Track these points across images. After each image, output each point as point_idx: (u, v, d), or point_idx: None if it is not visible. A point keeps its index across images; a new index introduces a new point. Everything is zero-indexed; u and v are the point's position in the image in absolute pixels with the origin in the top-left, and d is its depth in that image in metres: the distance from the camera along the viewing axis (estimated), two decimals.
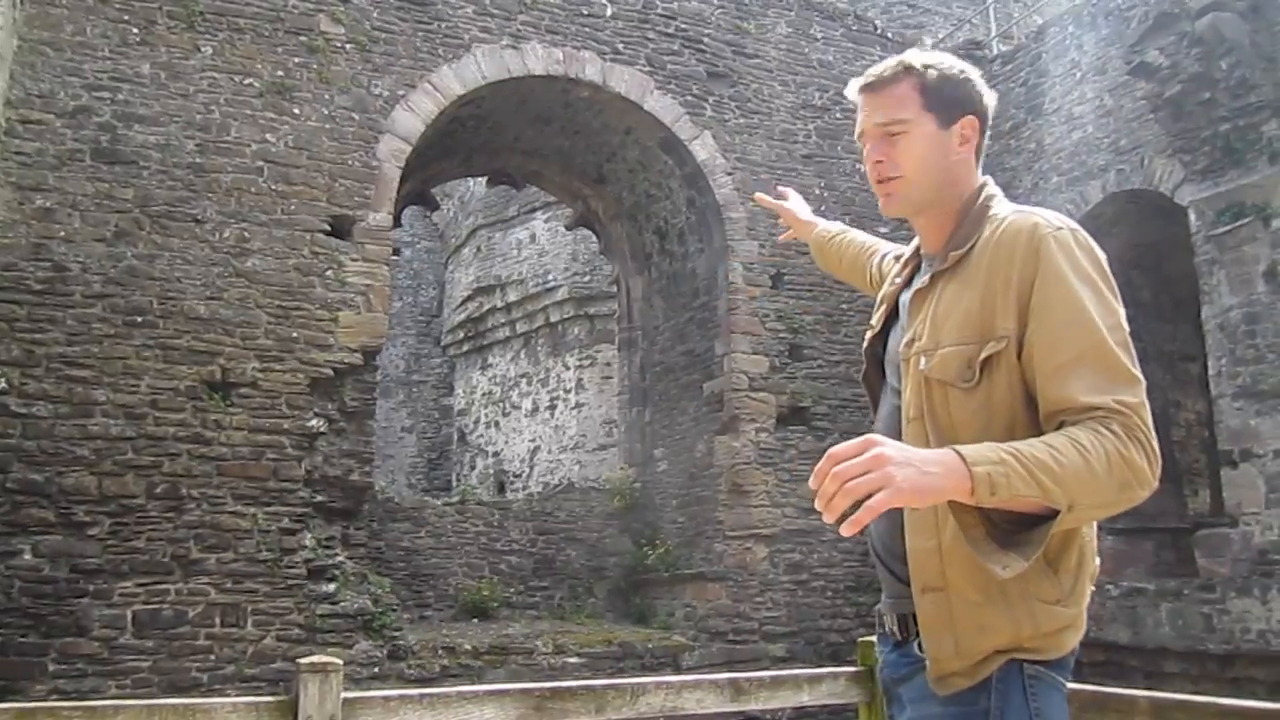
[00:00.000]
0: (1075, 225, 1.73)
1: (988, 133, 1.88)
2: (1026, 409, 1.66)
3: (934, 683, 1.70)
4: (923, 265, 1.94)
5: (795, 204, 2.90)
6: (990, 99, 1.86)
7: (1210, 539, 8.62)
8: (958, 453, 1.48)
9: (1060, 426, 1.58)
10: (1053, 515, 1.52)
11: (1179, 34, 8.70)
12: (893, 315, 1.98)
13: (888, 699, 1.94)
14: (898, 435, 1.76)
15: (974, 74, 1.87)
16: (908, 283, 1.97)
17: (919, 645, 1.76)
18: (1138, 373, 1.62)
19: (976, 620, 1.67)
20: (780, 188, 3.10)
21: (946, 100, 1.82)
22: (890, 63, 1.86)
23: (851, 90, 1.91)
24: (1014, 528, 1.57)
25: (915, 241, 2.01)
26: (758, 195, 3.11)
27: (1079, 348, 1.61)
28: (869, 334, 2.03)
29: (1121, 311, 1.68)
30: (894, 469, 1.42)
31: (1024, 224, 1.72)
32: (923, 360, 1.75)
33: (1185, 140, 9.03)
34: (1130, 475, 1.54)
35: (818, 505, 1.45)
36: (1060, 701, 1.73)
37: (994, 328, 1.67)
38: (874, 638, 3.52)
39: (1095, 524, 1.75)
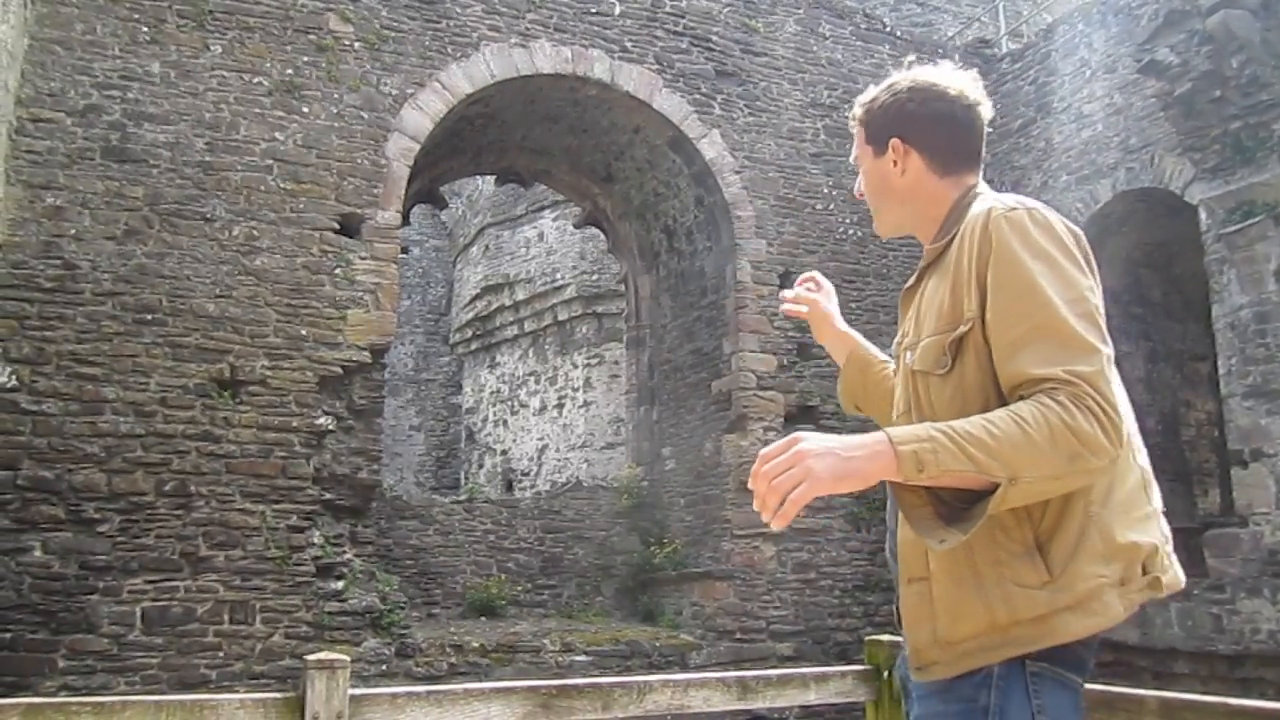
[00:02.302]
0: (1034, 204, 1.73)
1: (946, 137, 1.87)
2: (998, 390, 1.66)
3: (914, 672, 1.72)
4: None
5: (825, 299, 2.43)
6: (934, 107, 1.85)
7: (1220, 539, 8.58)
8: (886, 434, 1.53)
9: (1018, 401, 1.59)
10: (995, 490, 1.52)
11: (1189, 32, 8.67)
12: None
13: (905, 695, 1.94)
14: None
15: (915, 88, 1.87)
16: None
17: None
18: (1096, 342, 1.60)
19: (952, 607, 1.67)
20: (812, 275, 2.45)
21: (876, 130, 1.91)
22: (853, 107, 2.00)
23: None
24: (964, 505, 1.58)
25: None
26: (784, 297, 2.45)
27: (1030, 322, 1.61)
28: (897, 341, 2.02)
29: (1086, 284, 1.65)
30: (812, 461, 1.50)
31: (981, 210, 1.74)
32: (909, 355, 1.79)
33: (1195, 138, 9.00)
34: (1078, 444, 1.51)
35: (755, 506, 1.54)
36: (1069, 700, 1.68)
37: (960, 312, 1.70)
38: (882, 637, 3.52)
39: (1120, 503, 1.66)
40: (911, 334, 1.80)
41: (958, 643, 1.66)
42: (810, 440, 1.52)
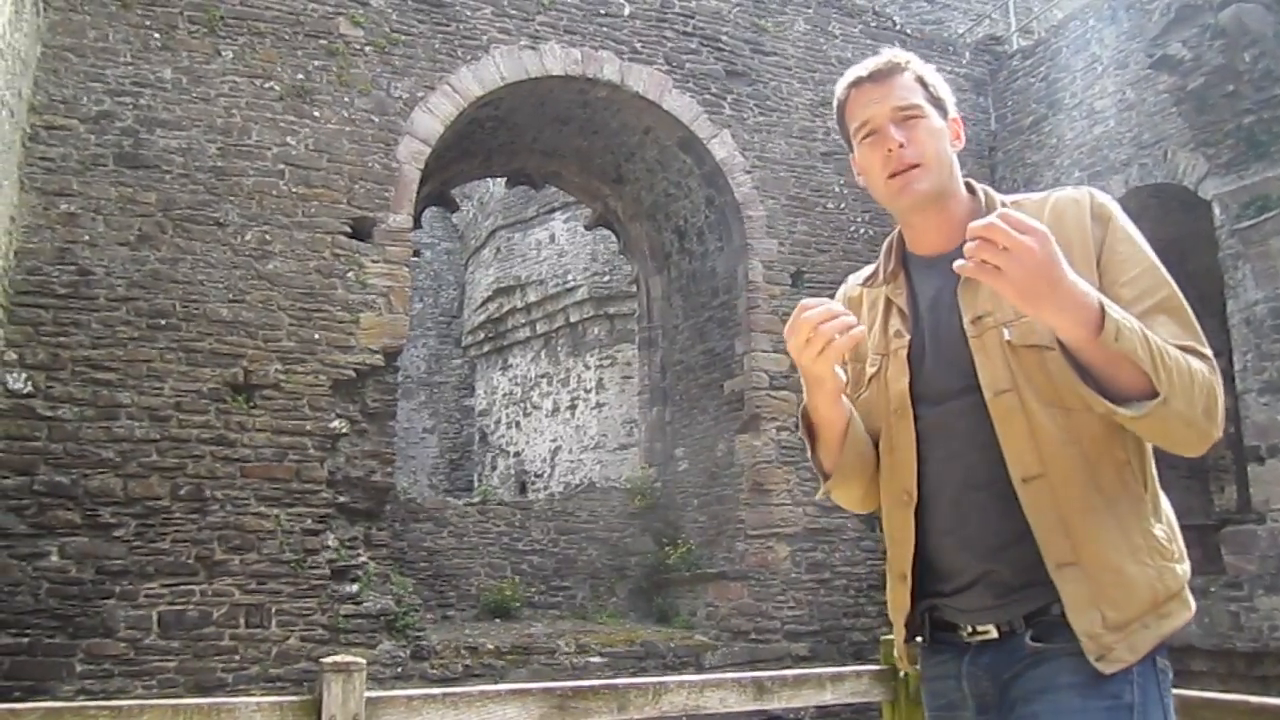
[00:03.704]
0: None
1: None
2: None
3: (1097, 662, 1.61)
4: (917, 264, 1.90)
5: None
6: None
7: (1237, 536, 8.53)
8: (1098, 296, 1.51)
9: None
10: (1149, 398, 1.52)
11: (1201, 26, 8.62)
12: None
13: (978, 706, 1.77)
14: (949, 461, 1.78)
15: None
16: (910, 289, 1.90)
17: (1030, 636, 1.68)
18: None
19: (1117, 586, 1.63)
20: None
21: (939, 97, 1.84)
22: (884, 56, 1.85)
23: (841, 86, 1.87)
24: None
25: (890, 255, 1.94)
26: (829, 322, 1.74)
27: (1157, 297, 1.66)
28: (895, 345, 1.88)
29: None
30: (1041, 260, 1.45)
31: (1079, 194, 1.78)
32: (1006, 331, 1.72)
33: (1208, 133, 8.95)
34: (1213, 406, 1.57)
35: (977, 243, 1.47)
36: (1172, 697, 1.72)
37: None
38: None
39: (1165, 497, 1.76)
40: (1000, 311, 1.71)
41: (1126, 624, 1.63)
42: (1047, 246, 1.46)
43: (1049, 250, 1.45)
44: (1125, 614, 1.62)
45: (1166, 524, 1.71)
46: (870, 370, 1.93)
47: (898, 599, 1.89)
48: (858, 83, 1.84)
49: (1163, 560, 1.66)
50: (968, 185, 1.88)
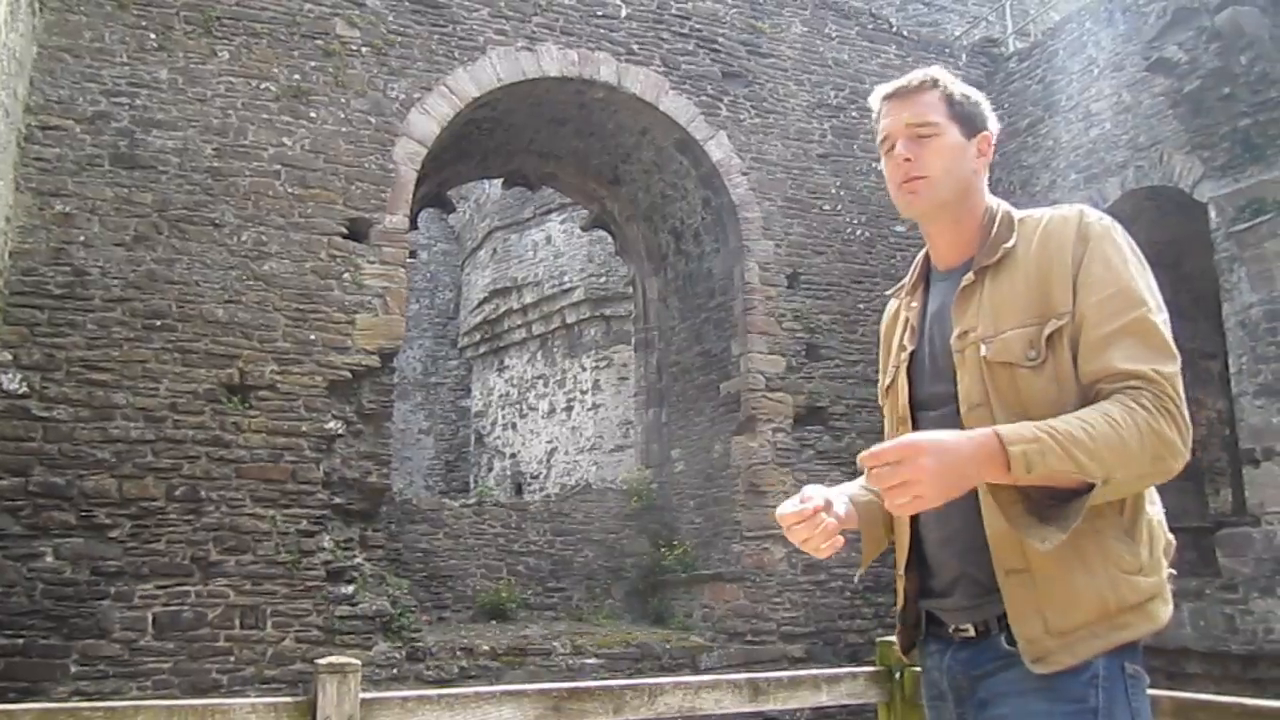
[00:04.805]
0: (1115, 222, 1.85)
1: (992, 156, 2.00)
2: None
3: (1033, 664, 1.69)
4: (935, 277, 2.02)
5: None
6: (995, 125, 1.99)
7: (1232, 538, 8.54)
8: (997, 434, 1.57)
9: (1097, 396, 1.67)
10: (1088, 489, 1.58)
11: (1198, 29, 8.64)
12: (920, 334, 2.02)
13: (955, 699, 1.88)
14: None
15: (985, 101, 2.00)
16: (924, 302, 2.02)
17: (1006, 638, 1.76)
18: (1175, 351, 1.70)
19: (1063, 595, 1.68)
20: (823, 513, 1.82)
21: (968, 114, 1.94)
22: (917, 74, 1.96)
23: (875, 99, 2.00)
24: (1052, 502, 1.63)
25: (915, 269, 2.08)
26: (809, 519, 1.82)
27: (1123, 319, 1.70)
28: (902, 358, 2.01)
29: (1160, 301, 1.76)
30: (927, 482, 1.54)
31: (1070, 213, 1.84)
32: (983, 347, 1.80)
33: (1204, 136, 8.96)
34: (1161, 448, 1.62)
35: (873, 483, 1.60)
36: (1147, 702, 1.76)
37: (1054, 306, 1.75)
38: (892, 638, 3.50)
39: (1159, 501, 1.80)
40: (982, 328, 1.81)
41: (1070, 631, 1.68)
42: (930, 454, 1.54)
43: (930, 458, 1.53)
44: (1069, 621, 1.68)
45: (1144, 536, 1.74)
46: (887, 381, 2.07)
47: (899, 597, 2.02)
48: (887, 96, 1.98)
49: (1120, 571, 1.69)
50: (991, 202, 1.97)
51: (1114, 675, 1.69)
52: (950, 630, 1.88)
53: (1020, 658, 1.71)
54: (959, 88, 1.95)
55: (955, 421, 1.80)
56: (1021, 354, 1.74)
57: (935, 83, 1.93)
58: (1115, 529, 1.71)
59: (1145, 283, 1.75)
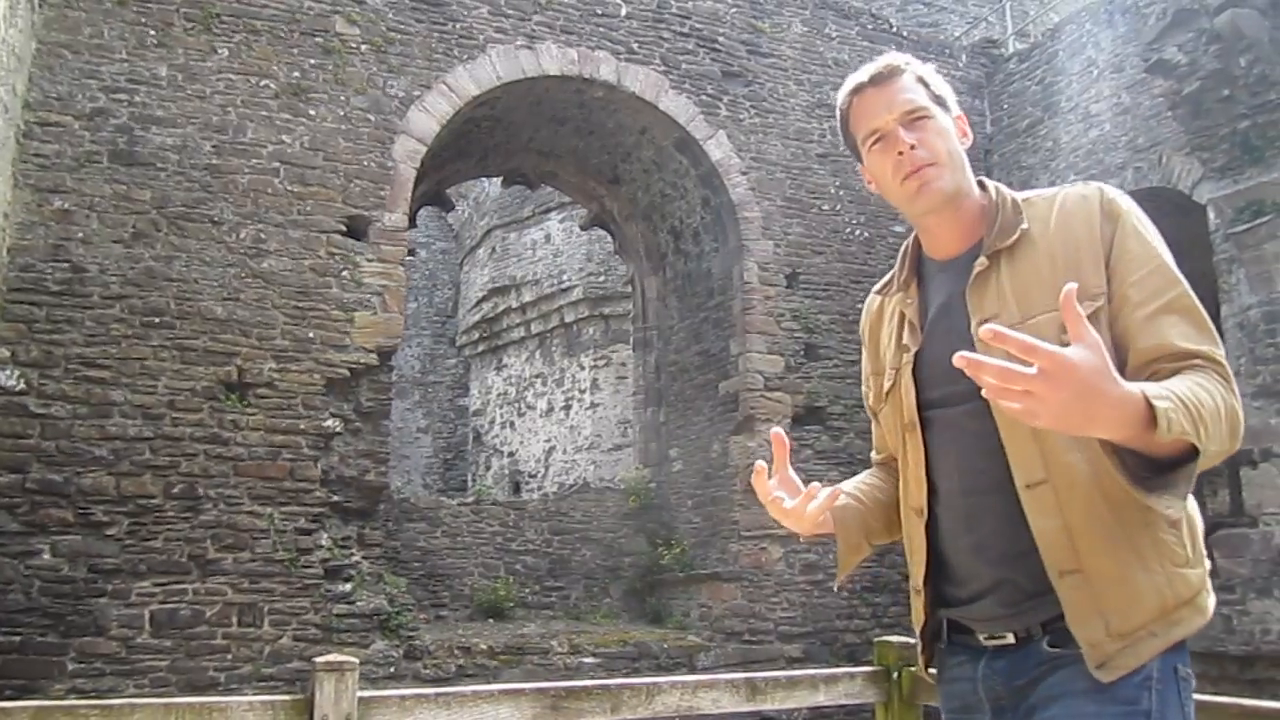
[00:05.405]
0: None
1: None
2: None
3: (1097, 670, 1.60)
4: (932, 269, 1.89)
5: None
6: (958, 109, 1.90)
7: (1230, 539, 8.54)
8: (1143, 391, 1.41)
9: (1153, 375, 1.56)
10: (1190, 457, 1.47)
11: (1197, 31, 8.63)
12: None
13: (994, 710, 1.76)
14: (969, 460, 1.75)
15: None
16: (921, 297, 1.90)
17: (1048, 642, 1.67)
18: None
19: (1123, 595, 1.61)
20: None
21: (940, 95, 1.83)
22: (883, 60, 1.82)
23: (843, 96, 1.86)
24: (1147, 473, 1.49)
25: (904, 262, 1.93)
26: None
27: (1167, 296, 1.64)
28: (905, 359, 1.87)
29: None
30: (1068, 398, 1.32)
31: (1089, 191, 1.75)
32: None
33: (1204, 138, 8.96)
34: (1237, 424, 1.56)
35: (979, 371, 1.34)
36: (1193, 706, 1.69)
37: (1087, 289, 1.63)
38: (890, 638, 3.50)
39: None
40: (1005, 314, 1.68)
41: (1131, 632, 1.60)
42: (1082, 383, 1.32)
43: (1078, 387, 1.33)
44: (1131, 622, 1.60)
45: (1186, 526, 1.67)
46: (887, 385, 1.93)
47: (915, 613, 1.90)
48: (859, 89, 1.83)
49: (1174, 566, 1.63)
50: (980, 183, 1.86)
51: (1167, 677, 1.63)
52: (984, 639, 1.77)
53: (1065, 660, 1.64)
54: (923, 68, 1.83)
55: (974, 418, 1.71)
56: (1055, 339, 1.54)
57: (906, 65, 1.81)
58: (1164, 520, 1.62)
59: (1172, 259, 1.69)
